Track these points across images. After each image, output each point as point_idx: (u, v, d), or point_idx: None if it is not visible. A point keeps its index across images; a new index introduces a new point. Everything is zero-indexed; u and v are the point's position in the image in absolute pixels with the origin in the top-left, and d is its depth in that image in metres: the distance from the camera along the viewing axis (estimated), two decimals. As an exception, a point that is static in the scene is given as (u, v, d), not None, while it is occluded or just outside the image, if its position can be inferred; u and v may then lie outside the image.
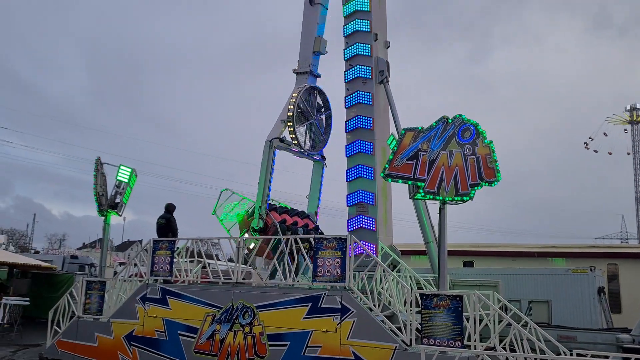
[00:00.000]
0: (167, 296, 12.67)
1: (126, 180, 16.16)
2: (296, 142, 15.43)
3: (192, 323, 12.05)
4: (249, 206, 15.94)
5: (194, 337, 11.91)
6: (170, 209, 14.97)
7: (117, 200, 16.13)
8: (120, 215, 16.43)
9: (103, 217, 16.23)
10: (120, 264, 42.52)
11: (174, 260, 13.07)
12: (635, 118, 65.84)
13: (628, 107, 66.70)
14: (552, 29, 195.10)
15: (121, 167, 16.20)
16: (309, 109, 15.98)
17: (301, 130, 15.73)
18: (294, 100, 15.28)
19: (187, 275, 12.91)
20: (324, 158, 17.15)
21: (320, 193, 17.07)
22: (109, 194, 16.16)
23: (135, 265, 14.82)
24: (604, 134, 66.48)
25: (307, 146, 16.00)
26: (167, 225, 14.52)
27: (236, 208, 16.42)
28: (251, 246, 13.50)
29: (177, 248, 13.40)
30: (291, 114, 15.10)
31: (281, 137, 15.23)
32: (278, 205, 15.85)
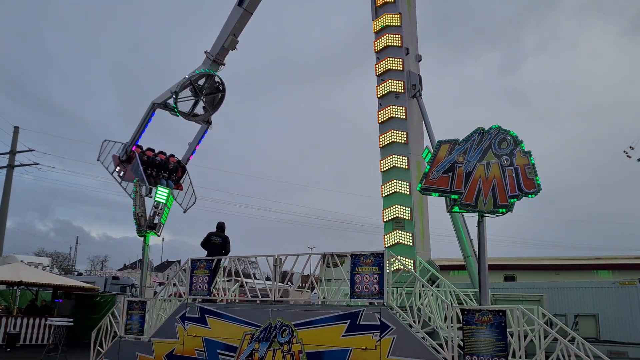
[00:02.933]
0: (205, 315, 12.73)
1: (164, 201, 16.44)
2: (177, 109, 18.71)
3: (231, 342, 12.06)
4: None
5: (233, 356, 11.91)
6: (223, 227, 15.07)
7: (156, 221, 16.41)
8: (158, 236, 16.72)
9: (142, 238, 16.51)
10: (160, 284, 43.12)
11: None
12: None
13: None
14: (586, 35, 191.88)
15: (159, 188, 16.50)
16: (198, 90, 19.17)
17: (187, 103, 19.27)
18: (188, 77, 18.53)
19: (225, 294, 12.96)
20: (209, 122, 20.17)
21: (198, 146, 20.44)
22: (147, 215, 16.45)
23: (174, 285, 14.98)
24: (630, 147, 64.21)
25: (189, 113, 19.40)
26: (222, 244, 14.55)
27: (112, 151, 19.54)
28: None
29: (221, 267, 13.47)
30: (177, 90, 18.35)
31: (165, 102, 18.68)
32: (145, 148, 19.36)
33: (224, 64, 19.70)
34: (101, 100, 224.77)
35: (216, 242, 14.54)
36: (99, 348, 14.74)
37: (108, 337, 14.73)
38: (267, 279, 20.42)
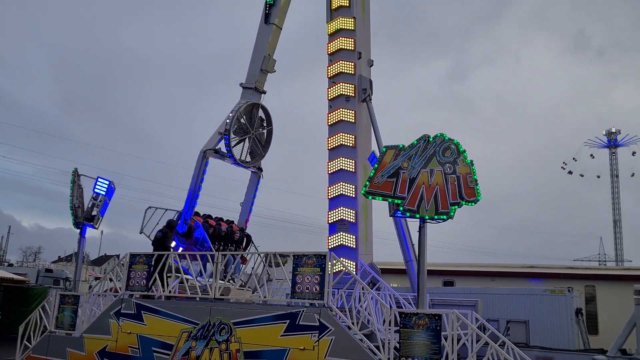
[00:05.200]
0: (142, 311, 12.42)
1: (104, 193, 15.93)
2: (232, 154, 16.15)
3: (167, 339, 11.81)
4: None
5: (168, 354, 11.66)
6: (171, 224, 14.56)
7: (94, 213, 15.88)
8: (96, 228, 16.18)
9: (79, 230, 15.95)
10: (96, 278, 41.78)
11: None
12: (612, 142, 67.09)
13: (609, 130, 67.96)
14: (530, 49, 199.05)
15: (99, 179, 15.99)
16: (249, 124, 16.63)
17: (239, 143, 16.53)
18: (232, 114, 15.97)
19: (163, 291, 12.69)
20: (260, 170, 17.84)
21: (253, 203, 17.87)
22: (85, 206, 15.91)
23: (111, 280, 14.54)
24: (573, 159, 67.52)
25: (244, 158, 16.78)
26: (162, 239, 14.04)
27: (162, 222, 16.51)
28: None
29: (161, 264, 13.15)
30: (228, 128, 15.80)
31: (216, 148, 16.08)
32: (202, 214, 16.68)
33: (264, 92, 17.62)
34: (37, 83, 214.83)
35: (157, 237, 14.22)
36: (26, 343, 14.12)
37: (37, 332, 14.13)
38: (210, 276, 20.20)
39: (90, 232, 16.23)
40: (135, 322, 12.43)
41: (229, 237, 16.17)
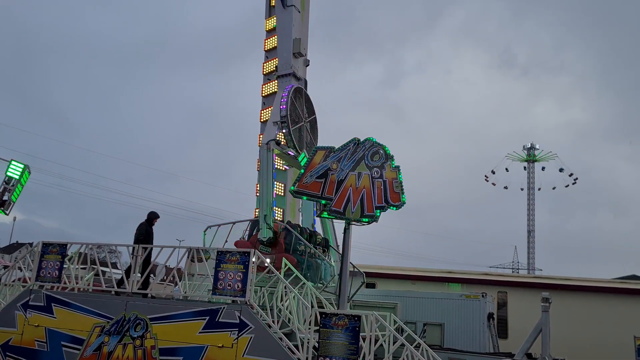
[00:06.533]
0: (52, 304, 11.80)
1: (17, 177, 15.00)
2: (292, 144, 14.52)
3: (78, 334, 11.28)
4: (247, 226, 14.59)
5: (79, 349, 11.14)
6: (150, 216, 13.15)
7: (5, 198, 14.92)
8: (7, 214, 15.21)
9: (-12, 215, 14.94)
10: (5, 266, 39.32)
11: (64, 266, 12.24)
12: (531, 157, 70.93)
13: (525, 146, 71.84)
14: (460, 61, 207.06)
15: (12, 162, 15.03)
16: (299, 111, 15.32)
17: (294, 133, 14.88)
18: (285, 100, 14.47)
19: (77, 283, 12.12)
20: None
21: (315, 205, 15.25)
22: (-4, 190, 14.92)
23: (21, 269, 13.71)
24: (492, 171, 70.98)
25: (300, 147, 15.14)
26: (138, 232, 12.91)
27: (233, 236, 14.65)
28: (267, 262, 11.39)
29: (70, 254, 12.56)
30: (285, 114, 14.28)
31: (277, 139, 14.36)
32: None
33: (300, 78, 16.48)
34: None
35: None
36: None
37: None
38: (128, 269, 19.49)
39: (0, 217, 15.23)
40: (44, 314, 11.78)
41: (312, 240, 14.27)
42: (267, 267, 10.90)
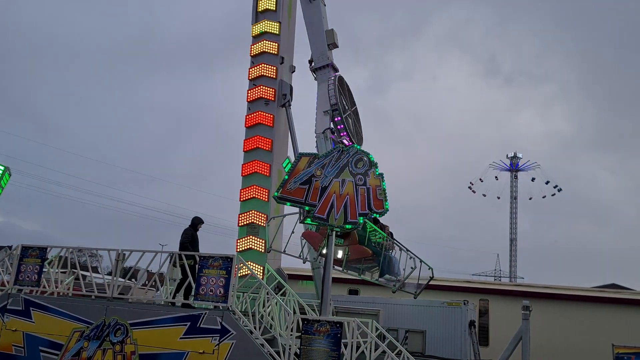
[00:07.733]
0: (31, 308, 11.64)
1: (-3, 179, 14.81)
2: (347, 131, 14.16)
3: (56, 339, 11.13)
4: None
5: (57, 354, 11.00)
6: (194, 221, 12.54)
7: (-15, 200, 14.71)
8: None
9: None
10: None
11: (44, 269, 12.09)
12: (514, 166, 71.82)
13: (509, 155, 72.74)
14: (445, 69, 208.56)
15: (-6, 164, 14.85)
16: (344, 100, 15.07)
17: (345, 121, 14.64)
18: (332, 88, 14.27)
19: (57, 287, 11.97)
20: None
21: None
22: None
23: (-1, 272, 13.51)
24: (480, 179, 71.83)
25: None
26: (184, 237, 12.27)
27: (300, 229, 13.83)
28: (339, 255, 11.10)
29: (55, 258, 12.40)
30: (335, 101, 14.03)
31: (331, 128, 13.98)
32: None
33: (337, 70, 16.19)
34: None
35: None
36: None
37: None
38: (109, 274, 19.31)
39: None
40: (22, 319, 11.62)
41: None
42: (248, 273, 10.87)
